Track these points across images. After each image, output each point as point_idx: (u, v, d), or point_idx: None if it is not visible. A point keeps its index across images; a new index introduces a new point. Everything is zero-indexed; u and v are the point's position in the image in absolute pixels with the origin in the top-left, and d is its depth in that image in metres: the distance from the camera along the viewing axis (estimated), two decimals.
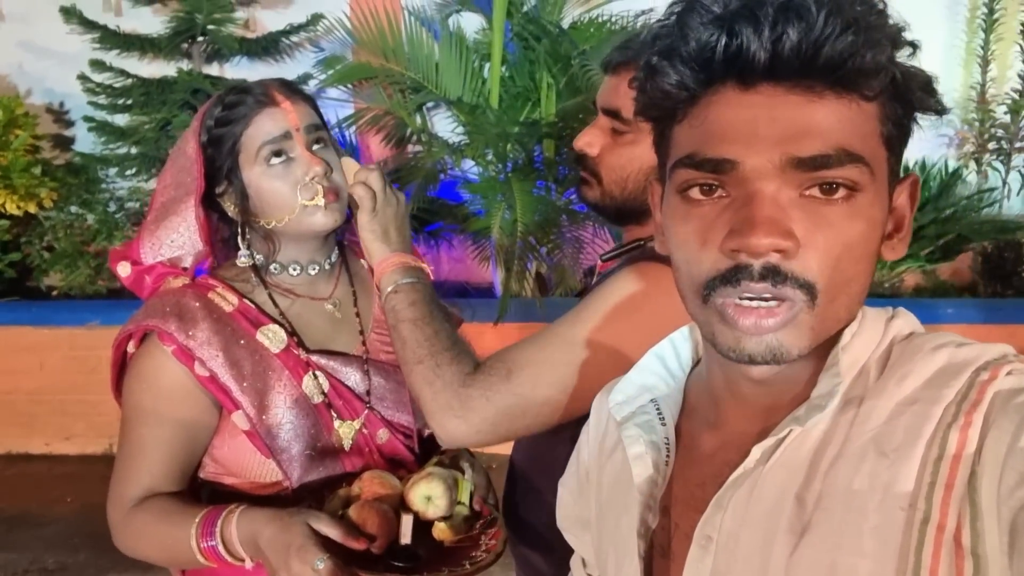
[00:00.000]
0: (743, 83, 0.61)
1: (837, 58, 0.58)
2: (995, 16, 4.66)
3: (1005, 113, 4.69)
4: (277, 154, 1.24)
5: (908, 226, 0.68)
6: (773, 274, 0.60)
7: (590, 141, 1.22)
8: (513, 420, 1.10)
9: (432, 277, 1.31)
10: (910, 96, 0.63)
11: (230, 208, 1.29)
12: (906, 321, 0.69)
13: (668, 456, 0.73)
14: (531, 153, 4.29)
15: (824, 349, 0.65)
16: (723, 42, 0.60)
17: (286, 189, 1.25)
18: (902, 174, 0.67)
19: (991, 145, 4.76)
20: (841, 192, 0.60)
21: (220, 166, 1.27)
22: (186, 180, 1.28)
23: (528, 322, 4.00)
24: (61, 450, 4.42)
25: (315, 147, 1.27)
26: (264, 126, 1.24)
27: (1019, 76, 4.66)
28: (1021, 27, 4.66)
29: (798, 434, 0.64)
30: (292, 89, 1.29)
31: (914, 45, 0.63)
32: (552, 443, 1.15)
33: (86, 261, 4.56)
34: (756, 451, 0.64)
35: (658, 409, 0.75)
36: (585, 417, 1.07)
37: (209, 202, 1.30)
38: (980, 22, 4.70)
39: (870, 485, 0.59)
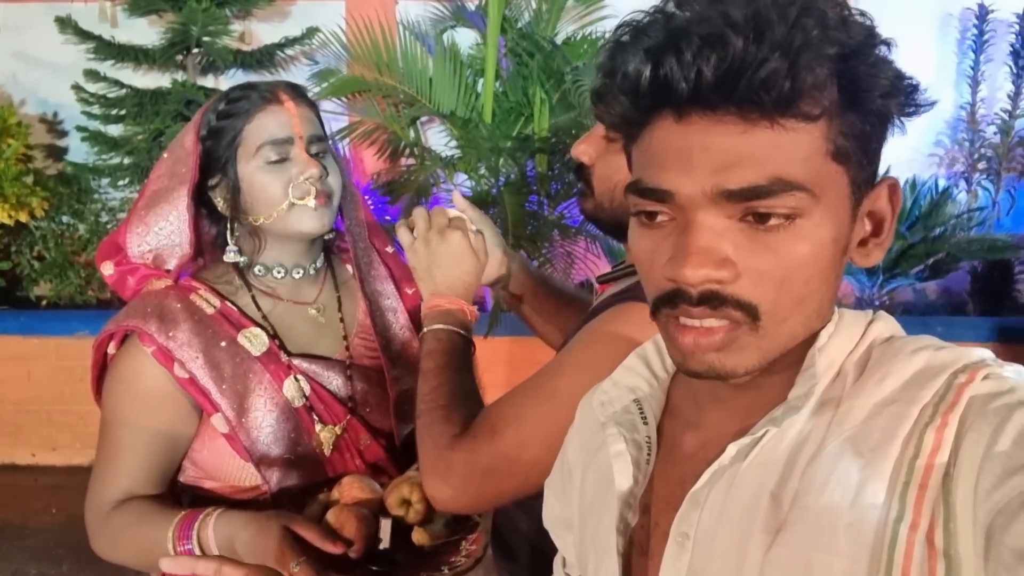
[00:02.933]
0: (677, 112, 0.61)
1: (759, 85, 0.56)
2: (985, 38, 4.69)
3: (995, 133, 4.72)
4: (276, 154, 1.25)
5: (888, 230, 0.66)
6: (711, 298, 0.61)
7: (584, 149, 1.22)
8: (500, 483, 1.06)
9: (473, 318, 1.28)
10: (868, 105, 0.60)
11: (220, 202, 1.29)
12: (886, 324, 0.68)
13: (649, 455, 0.73)
14: (523, 168, 4.30)
15: (800, 352, 0.65)
16: (647, 74, 0.60)
17: (277, 185, 1.24)
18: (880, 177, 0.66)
19: (981, 165, 4.78)
20: (775, 220, 0.60)
21: (217, 157, 1.26)
22: (180, 170, 1.28)
23: (518, 335, 4.00)
24: (47, 461, 4.39)
25: (314, 153, 1.27)
26: (267, 125, 1.25)
27: (1008, 97, 4.69)
28: (1011, 48, 4.69)
29: (775, 434, 0.64)
30: (298, 93, 1.30)
31: (886, 43, 0.61)
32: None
33: (76, 271, 4.54)
34: (732, 448, 0.64)
35: (640, 409, 0.75)
36: None
37: (199, 197, 1.29)
38: (970, 43, 4.74)
39: (845, 484, 0.59)
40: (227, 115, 1.25)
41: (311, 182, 1.24)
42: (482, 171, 4.31)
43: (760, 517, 0.62)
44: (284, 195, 1.24)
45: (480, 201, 4.17)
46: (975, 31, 4.73)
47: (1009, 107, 4.68)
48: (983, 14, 4.68)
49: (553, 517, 0.92)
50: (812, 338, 0.65)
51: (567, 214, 4.28)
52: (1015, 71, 4.67)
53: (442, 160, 4.38)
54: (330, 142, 1.34)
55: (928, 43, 4.78)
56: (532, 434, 1.05)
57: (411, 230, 1.29)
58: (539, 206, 4.29)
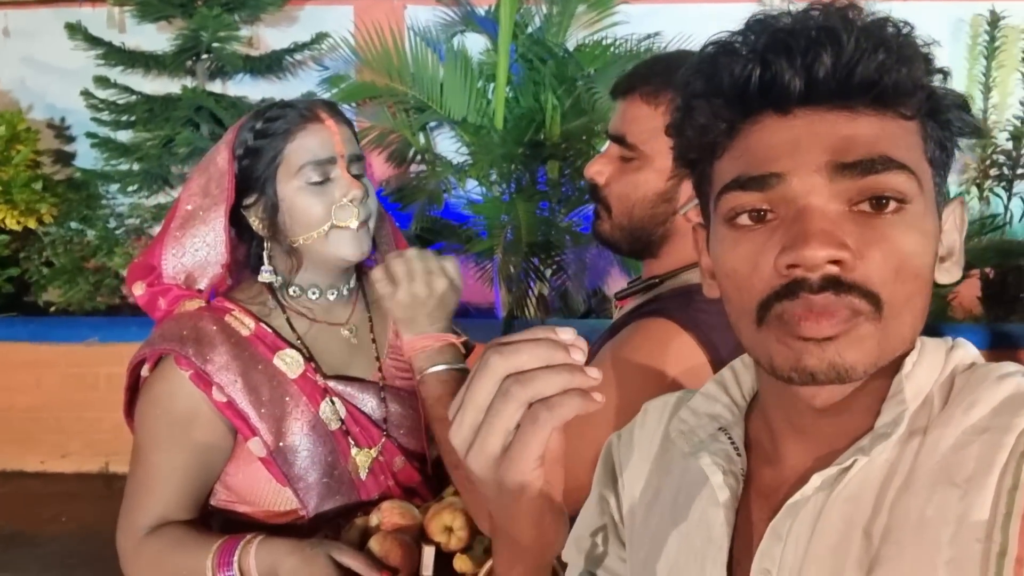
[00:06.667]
0: (781, 111, 0.62)
1: (872, 76, 0.59)
2: (996, 44, 4.68)
3: (1007, 140, 4.70)
4: (319, 174, 1.23)
5: (960, 251, 0.67)
6: (834, 284, 0.58)
7: (600, 170, 1.21)
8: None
9: (465, 350, 1.24)
10: (948, 116, 0.63)
11: (255, 222, 1.27)
12: (967, 351, 0.67)
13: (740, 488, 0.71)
14: (535, 174, 4.29)
15: (883, 381, 0.64)
16: (757, 73, 0.61)
17: (320, 207, 1.23)
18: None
19: (993, 171, 4.76)
20: (891, 205, 0.60)
21: (256, 177, 1.24)
22: (214, 190, 1.26)
23: None
24: (57, 468, 4.37)
25: (355, 175, 1.25)
26: (309, 144, 1.23)
27: (1020, 103, 4.67)
28: (1022, 54, 4.68)
29: (862, 465, 0.62)
30: (336, 111, 1.28)
31: (944, 72, 0.64)
32: None
33: (85, 277, 4.52)
34: (816, 479, 0.62)
35: (731, 439, 0.72)
36: None
37: (232, 216, 1.28)
38: (982, 49, 4.72)
39: (942, 517, 0.58)
40: (265, 134, 1.24)
41: (354, 203, 1.23)
42: (493, 178, 4.29)
43: (852, 553, 0.60)
44: (326, 217, 1.22)
45: (492, 208, 4.16)
46: (987, 37, 4.71)
47: (1021, 113, 4.66)
48: (995, 20, 4.67)
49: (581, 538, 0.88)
50: (893, 367, 0.64)
51: (579, 221, 4.26)
52: None
53: (453, 167, 4.37)
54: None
55: (940, 49, 4.74)
56: (573, 457, 1.04)
57: (391, 275, 1.21)
58: (551, 213, 4.27)
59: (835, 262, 0.58)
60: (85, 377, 4.22)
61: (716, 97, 0.64)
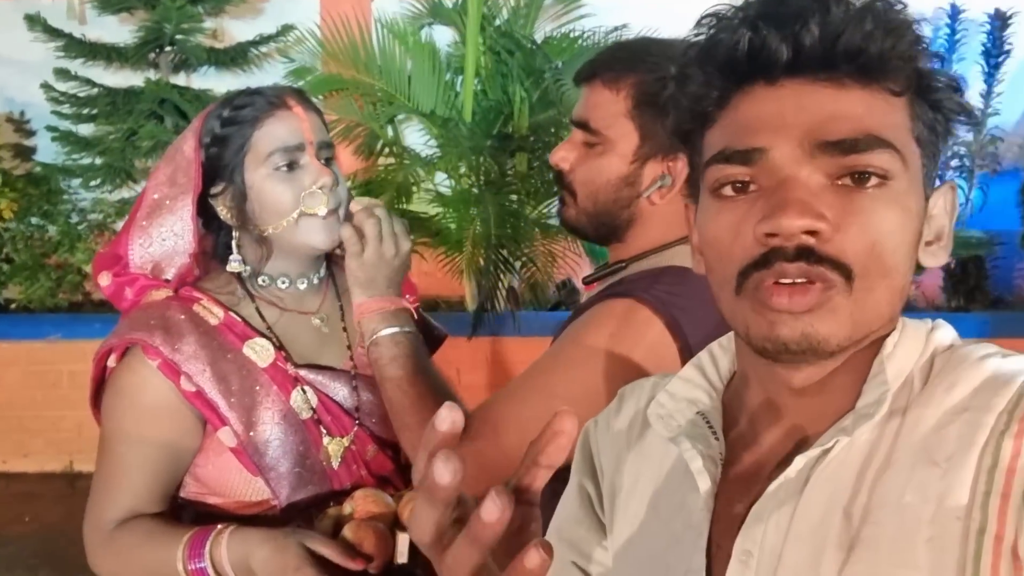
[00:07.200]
0: (769, 80, 0.63)
1: (858, 45, 0.60)
2: (957, 37, 4.76)
3: (967, 131, 4.79)
4: (287, 161, 1.21)
5: (948, 235, 0.67)
6: (807, 255, 0.60)
7: (564, 156, 1.21)
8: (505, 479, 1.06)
9: (414, 296, 1.26)
10: (938, 96, 0.64)
11: (223, 211, 1.25)
12: (947, 332, 0.68)
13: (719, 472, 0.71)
14: (504, 167, 4.28)
15: (863, 361, 0.64)
16: (747, 39, 0.62)
17: (289, 195, 1.21)
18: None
19: (954, 163, 4.85)
20: (873, 180, 0.61)
21: (224, 165, 1.22)
22: (181, 179, 1.24)
23: (501, 336, 3.99)
24: (18, 467, 4.30)
25: (324, 160, 1.24)
26: (277, 131, 1.21)
27: (980, 96, 4.76)
28: (983, 48, 4.77)
29: (845, 445, 0.62)
30: (304, 98, 1.26)
31: (939, 56, 0.64)
32: None
33: (47, 274, 4.45)
34: (800, 460, 0.62)
35: (708, 423, 0.72)
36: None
37: (200, 205, 1.26)
38: (943, 43, 4.80)
39: (922, 496, 0.58)
40: (232, 121, 1.22)
41: (324, 191, 1.21)
42: (462, 170, 4.28)
43: (832, 534, 0.61)
44: (296, 204, 1.21)
45: (460, 200, 4.15)
46: (948, 31, 4.79)
47: (981, 106, 4.74)
48: (955, 14, 4.75)
49: (564, 528, 0.88)
50: (873, 348, 0.64)
51: (548, 213, 4.26)
52: (987, 70, 4.75)
53: (421, 159, 4.35)
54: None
55: None
56: (535, 433, 1.04)
57: (361, 233, 1.21)
58: (520, 205, 4.27)
59: (812, 233, 0.59)
60: (47, 375, 4.17)
61: (709, 64, 0.65)
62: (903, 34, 0.61)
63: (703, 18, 0.67)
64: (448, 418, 0.46)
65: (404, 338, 1.20)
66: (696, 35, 0.67)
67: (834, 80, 0.61)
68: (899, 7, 0.62)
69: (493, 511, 0.44)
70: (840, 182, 0.61)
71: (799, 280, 0.60)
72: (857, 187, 0.61)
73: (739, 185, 0.63)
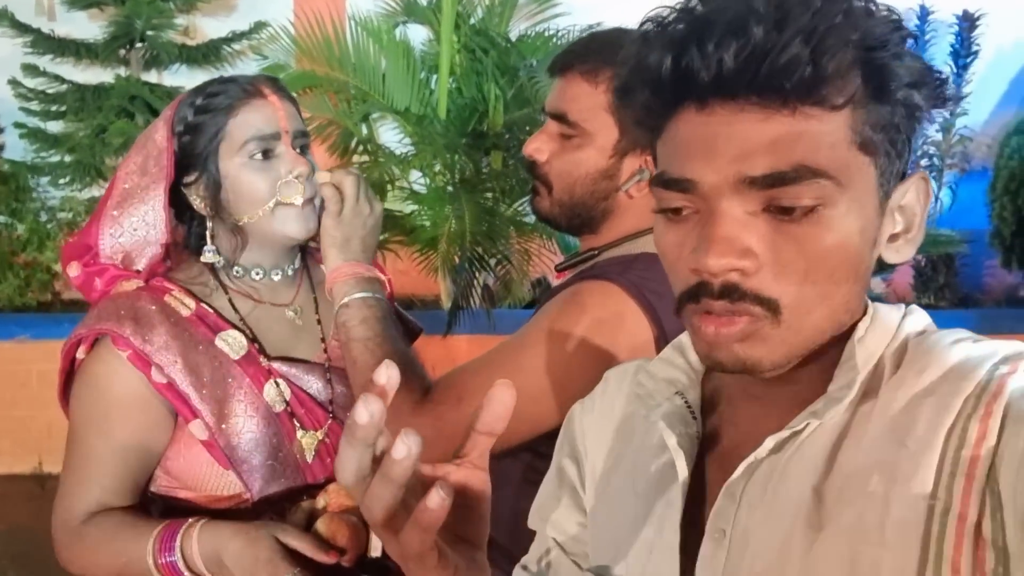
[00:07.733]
0: (699, 103, 0.61)
1: (780, 72, 0.57)
2: (926, 38, 4.82)
3: (937, 131, 4.85)
4: (262, 149, 1.20)
5: (919, 226, 0.66)
6: (731, 292, 0.61)
7: (539, 147, 1.20)
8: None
9: (389, 288, 1.26)
10: (894, 95, 0.60)
11: (197, 201, 1.24)
12: (919, 318, 0.68)
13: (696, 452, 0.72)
14: (479, 165, 4.28)
15: (835, 347, 0.65)
16: (668, 64, 0.61)
17: (265, 184, 1.20)
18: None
19: (924, 162, 4.90)
20: (799, 211, 0.60)
21: (197, 154, 1.21)
22: (152, 169, 1.22)
23: (477, 334, 3.99)
24: None
25: (299, 149, 1.23)
26: (252, 119, 1.20)
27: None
28: (951, 48, 4.83)
29: (815, 427, 0.63)
30: (279, 86, 1.25)
31: (913, 36, 0.61)
32: (508, 460, 1.13)
33: (15, 272, 4.39)
34: (770, 441, 0.63)
35: (687, 403, 0.73)
36: (540, 439, 1.05)
37: (172, 195, 1.24)
38: (912, 43, 4.86)
39: (890, 477, 0.59)
40: (206, 109, 1.20)
41: (300, 180, 1.20)
42: (437, 168, 4.27)
43: (802, 513, 0.61)
44: (271, 193, 1.20)
45: (435, 198, 4.14)
46: (916, 31, 4.84)
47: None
48: (924, 15, 4.81)
49: (546, 507, 0.88)
50: (844, 332, 0.65)
51: (523, 211, 4.27)
52: (956, 71, 4.81)
53: (396, 157, 4.34)
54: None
55: None
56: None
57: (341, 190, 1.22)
58: (495, 203, 4.27)
59: (734, 270, 0.60)
60: (16, 375, 4.11)
61: (642, 85, 0.64)
62: (844, 49, 0.58)
63: (644, 21, 0.65)
64: (385, 373, 0.51)
65: (376, 303, 1.19)
66: (630, 49, 0.65)
67: (763, 104, 0.59)
68: (852, 8, 0.59)
69: (435, 500, 0.50)
70: (768, 211, 0.61)
71: (724, 315, 0.61)
72: (787, 217, 0.60)
73: (678, 209, 0.64)
